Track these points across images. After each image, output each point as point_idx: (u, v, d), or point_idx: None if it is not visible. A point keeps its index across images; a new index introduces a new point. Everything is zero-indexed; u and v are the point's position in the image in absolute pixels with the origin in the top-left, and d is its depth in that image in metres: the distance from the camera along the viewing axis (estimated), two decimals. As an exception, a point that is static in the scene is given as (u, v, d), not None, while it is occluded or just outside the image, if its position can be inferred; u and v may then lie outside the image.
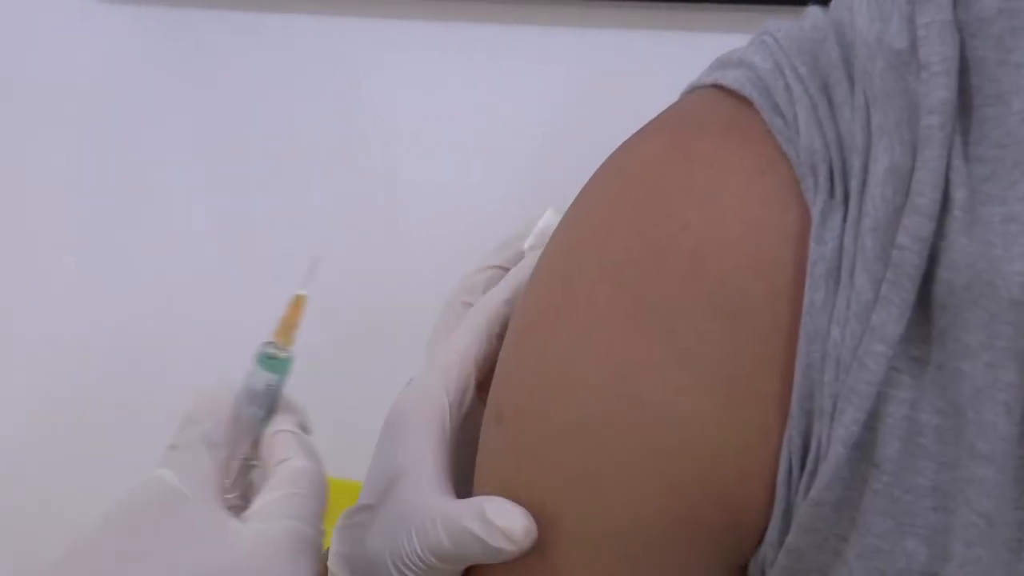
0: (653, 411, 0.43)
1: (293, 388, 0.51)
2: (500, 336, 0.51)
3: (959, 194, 0.38)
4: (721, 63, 0.47)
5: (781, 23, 0.46)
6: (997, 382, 0.37)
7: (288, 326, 0.49)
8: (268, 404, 0.48)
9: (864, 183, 0.40)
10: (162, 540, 0.44)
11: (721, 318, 0.42)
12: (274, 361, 0.48)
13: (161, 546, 0.43)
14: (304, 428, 0.50)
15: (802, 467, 0.42)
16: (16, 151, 1.28)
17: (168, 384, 1.29)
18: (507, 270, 0.55)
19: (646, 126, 0.47)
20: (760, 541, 0.43)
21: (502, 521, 0.44)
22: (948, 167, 0.39)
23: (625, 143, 0.48)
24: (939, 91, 0.39)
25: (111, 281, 1.31)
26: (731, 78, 0.45)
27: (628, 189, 0.45)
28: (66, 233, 1.31)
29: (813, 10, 0.46)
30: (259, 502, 0.47)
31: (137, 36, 1.23)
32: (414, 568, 0.45)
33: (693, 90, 0.48)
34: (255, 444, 0.48)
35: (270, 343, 0.49)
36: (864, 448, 0.41)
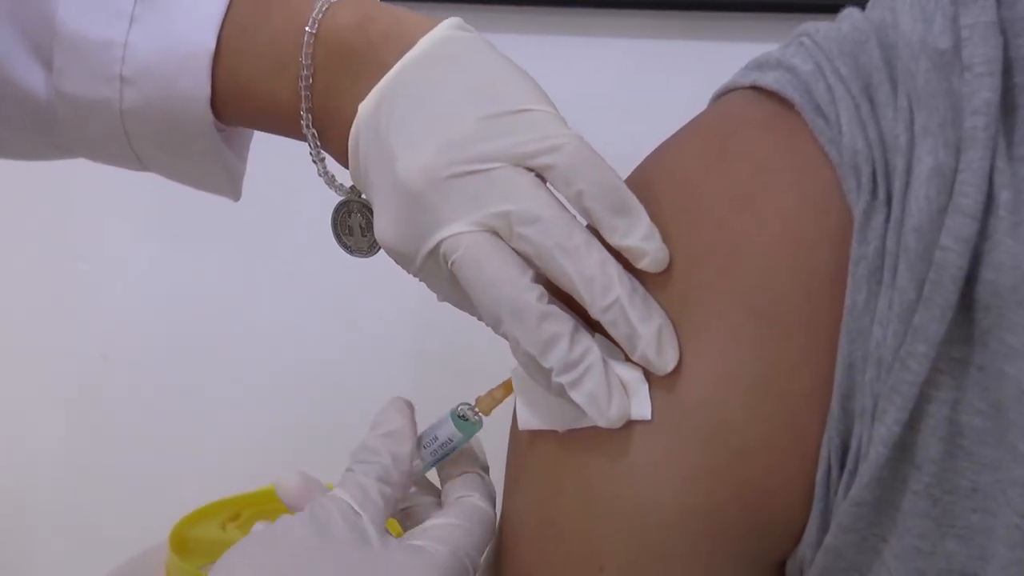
0: (675, 400, 0.43)
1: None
2: None
3: (1004, 195, 0.38)
4: (758, 64, 0.47)
5: (818, 24, 0.46)
6: None
7: (494, 399, 0.50)
8: (441, 455, 0.50)
9: (907, 183, 0.40)
10: (319, 542, 0.44)
11: (754, 315, 0.42)
12: (466, 423, 0.50)
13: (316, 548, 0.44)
14: (485, 473, 0.52)
15: (841, 467, 0.42)
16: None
17: (192, 395, 1.29)
18: None
19: (686, 125, 0.48)
20: (796, 540, 0.43)
21: None
22: (992, 168, 0.39)
23: (665, 142, 0.48)
24: (983, 92, 0.39)
25: (132, 292, 1.31)
26: (770, 79, 0.45)
27: (667, 185, 0.45)
28: (79, 242, 1.31)
29: (851, 12, 0.46)
30: (427, 523, 0.48)
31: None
32: None
33: (727, 92, 0.48)
34: (412, 487, 0.50)
35: (469, 405, 0.50)
36: (905, 448, 0.41)
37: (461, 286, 0.46)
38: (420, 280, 0.49)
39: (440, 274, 0.47)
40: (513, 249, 0.45)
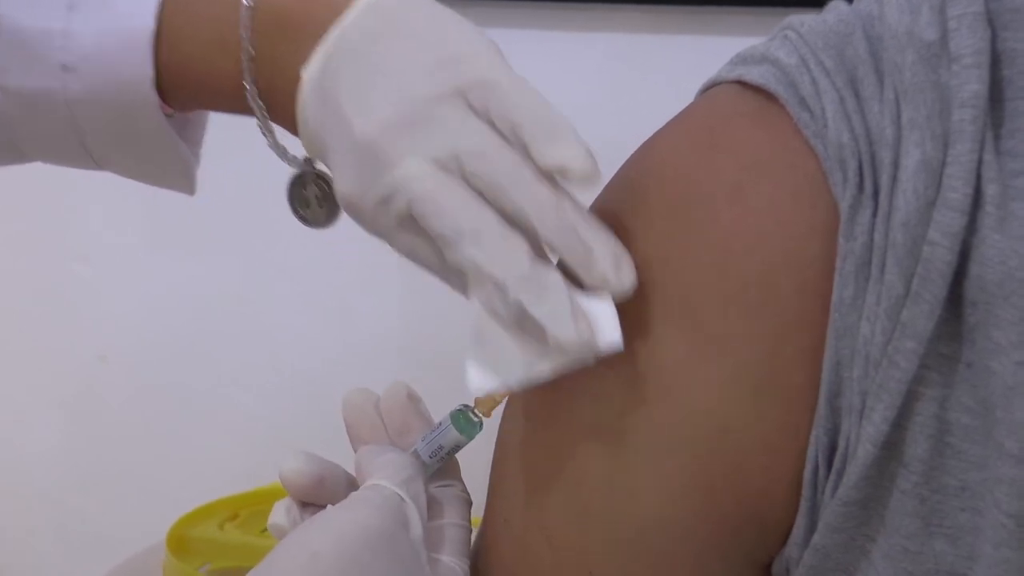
0: (677, 405, 0.42)
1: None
2: None
3: (991, 189, 0.38)
4: (742, 59, 0.46)
5: (804, 17, 0.45)
6: None
7: (493, 400, 0.49)
8: (443, 458, 0.50)
9: (895, 177, 0.39)
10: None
11: (748, 313, 0.42)
12: (467, 425, 0.49)
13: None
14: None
15: (829, 465, 0.41)
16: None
17: (194, 399, 1.29)
18: None
19: (673, 120, 0.47)
20: (785, 540, 0.43)
21: None
22: (980, 162, 0.38)
23: (653, 136, 0.47)
24: (971, 84, 0.38)
25: (129, 292, 1.31)
26: (755, 74, 0.44)
27: (657, 180, 0.45)
28: (77, 244, 1.31)
29: (837, 4, 0.45)
30: (448, 534, 0.49)
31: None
32: None
33: (713, 86, 0.48)
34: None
35: (470, 407, 0.50)
36: (893, 447, 0.40)
37: (417, 233, 0.46)
38: (376, 235, 0.48)
39: (395, 220, 0.46)
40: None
